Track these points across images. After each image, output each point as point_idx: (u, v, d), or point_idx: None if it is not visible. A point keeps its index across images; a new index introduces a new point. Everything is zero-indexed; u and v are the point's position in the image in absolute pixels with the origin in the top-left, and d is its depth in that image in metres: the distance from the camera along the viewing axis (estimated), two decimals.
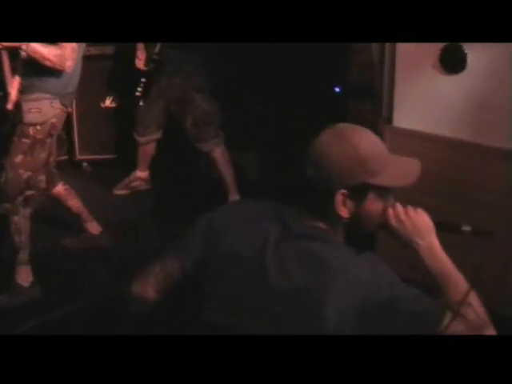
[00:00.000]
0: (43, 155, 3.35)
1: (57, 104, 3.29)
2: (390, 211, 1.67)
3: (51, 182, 3.69)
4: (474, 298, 1.57)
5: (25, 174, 3.28)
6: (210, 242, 1.70)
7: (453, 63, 3.06)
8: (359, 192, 1.61)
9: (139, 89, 4.25)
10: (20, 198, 3.31)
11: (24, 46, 3.00)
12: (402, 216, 1.66)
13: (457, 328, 1.50)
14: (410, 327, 1.49)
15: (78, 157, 5.07)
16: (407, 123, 3.31)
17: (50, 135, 3.34)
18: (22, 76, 3.11)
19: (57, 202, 3.82)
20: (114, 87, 4.96)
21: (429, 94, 3.20)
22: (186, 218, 1.93)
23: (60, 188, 3.77)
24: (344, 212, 1.61)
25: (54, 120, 3.31)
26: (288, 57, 4.01)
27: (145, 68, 4.28)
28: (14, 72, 3.15)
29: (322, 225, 1.64)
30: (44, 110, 3.26)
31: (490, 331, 1.55)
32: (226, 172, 4.39)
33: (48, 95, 3.25)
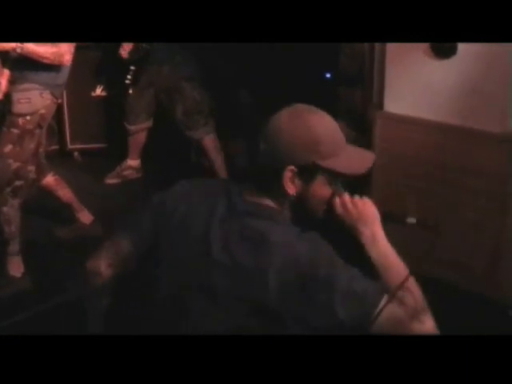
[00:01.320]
0: (32, 146, 3.33)
1: (47, 95, 3.27)
2: (337, 199, 1.68)
3: (41, 173, 3.68)
4: (413, 286, 1.58)
5: (14, 165, 3.27)
6: (160, 217, 1.73)
7: (443, 48, 3.06)
8: (308, 172, 1.61)
9: (129, 76, 4.25)
10: (8, 189, 3.30)
11: (19, 49, 2.99)
12: (349, 204, 1.67)
13: (392, 311, 1.50)
14: (347, 306, 1.49)
15: (69, 146, 5.04)
16: (398, 108, 3.31)
17: (40, 126, 3.33)
18: (12, 69, 3.11)
19: (47, 192, 3.80)
20: (105, 76, 4.93)
21: (419, 79, 3.19)
22: None
23: (50, 178, 3.75)
24: (291, 189, 1.61)
25: (43, 111, 3.29)
26: (277, 43, 3.99)
27: (129, 57, 4.25)
28: (3, 65, 3.11)
29: (268, 202, 1.65)
30: (33, 100, 3.24)
31: (427, 318, 1.54)
32: (217, 160, 4.40)
33: (38, 86, 3.23)
